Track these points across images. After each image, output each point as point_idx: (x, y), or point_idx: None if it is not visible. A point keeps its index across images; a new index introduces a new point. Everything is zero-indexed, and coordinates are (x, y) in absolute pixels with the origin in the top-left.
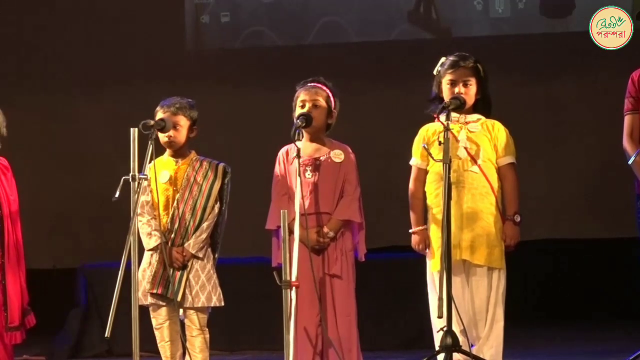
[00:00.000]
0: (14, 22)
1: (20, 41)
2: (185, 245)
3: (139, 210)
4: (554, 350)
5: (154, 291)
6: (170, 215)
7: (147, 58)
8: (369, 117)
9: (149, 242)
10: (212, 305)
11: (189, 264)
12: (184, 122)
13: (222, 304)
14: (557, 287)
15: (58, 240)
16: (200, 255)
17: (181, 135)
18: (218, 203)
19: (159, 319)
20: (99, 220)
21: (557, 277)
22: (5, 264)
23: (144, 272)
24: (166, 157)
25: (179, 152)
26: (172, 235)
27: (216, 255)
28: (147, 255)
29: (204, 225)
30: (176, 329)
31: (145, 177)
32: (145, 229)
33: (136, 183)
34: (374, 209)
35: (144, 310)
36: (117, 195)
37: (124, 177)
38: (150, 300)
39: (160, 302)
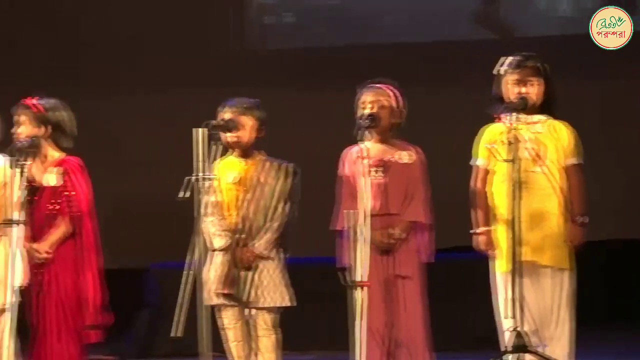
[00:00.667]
0: (76, 24)
1: (81, 42)
2: (254, 245)
3: (206, 211)
4: (622, 351)
5: (223, 291)
6: (238, 216)
7: (210, 58)
8: (433, 118)
9: (217, 242)
10: (282, 305)
11: (258, 264)
12: (249, 122)
13: (292, 303)
14: (626, 287)
15: (127, 241)
16: (269, 255)
17: (247, 135)
18: (286, 203)
19: (228, 319)
20: (168, 220)
21: (627, 277)
22: (81, 263)
23: (212, 273)
24: (233, 158)
25: (245, 152)
26: (240, 236)
27: (286, 255)
28: (215, 255)
29: (273, 225)
30: (245, 329)
31: (213, 177)
32: (213, 229)
33: (202, 183)
34: (437, 210)
35: (213, 311)
36: (182, 195)
37: (188, 177)
38: (218, 300)
39: (229, 302)
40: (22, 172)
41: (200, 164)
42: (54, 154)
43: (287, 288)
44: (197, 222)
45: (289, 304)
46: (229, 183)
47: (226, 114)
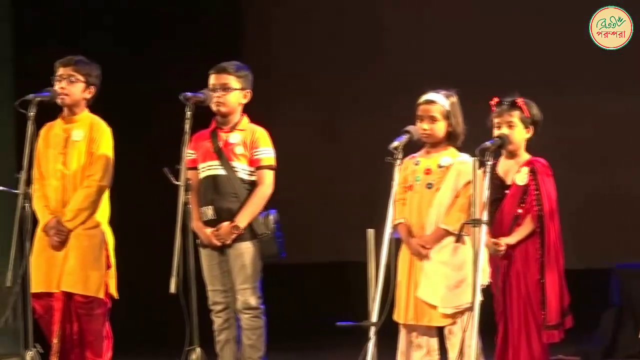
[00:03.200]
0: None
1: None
2: None
3: None
4: None
5: None
6: None
7: None
8: None
9: None
10: None
11: None
12: None
13: None
14: None
15: (593, 240)
16: None
17: None
18: None
19: None
20: (632, 220)
21: None
22: (545, 262)
23: None
24: None
25: None
26: None
27: None
28: None
29: None
30: None
31: None
32: None
33: None
34: None
35: None
36: None
37: None
38: None
39: None
40: (488, 172)
41: None
42: (523, 153)
43: None
44: None
45: None
46: None
47: None
